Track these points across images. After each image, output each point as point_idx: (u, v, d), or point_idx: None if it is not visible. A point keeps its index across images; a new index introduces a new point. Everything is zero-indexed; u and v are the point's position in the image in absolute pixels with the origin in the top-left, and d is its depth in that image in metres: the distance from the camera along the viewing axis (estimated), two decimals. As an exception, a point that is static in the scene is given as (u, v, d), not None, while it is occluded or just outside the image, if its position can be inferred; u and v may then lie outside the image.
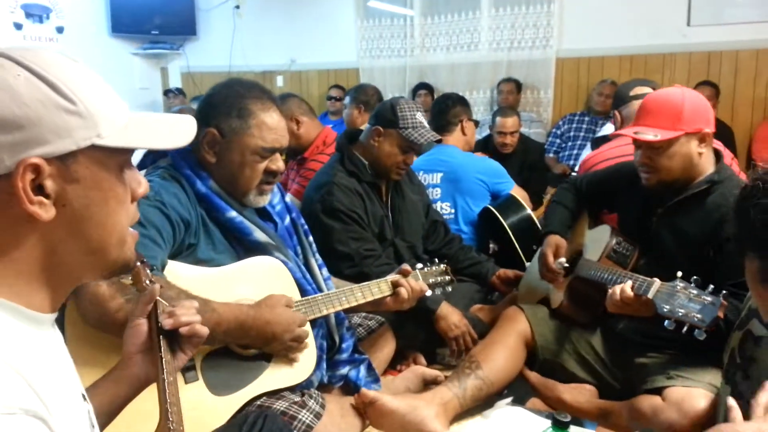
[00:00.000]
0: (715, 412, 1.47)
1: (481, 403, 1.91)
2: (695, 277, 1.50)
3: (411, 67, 5.83)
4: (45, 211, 0.68)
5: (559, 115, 5.29)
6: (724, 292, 1.45)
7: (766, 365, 1.21)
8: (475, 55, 5.56)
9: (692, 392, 1.58)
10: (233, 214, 1.57)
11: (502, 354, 1.93)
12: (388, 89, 5.72)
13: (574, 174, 2.92)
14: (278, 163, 1.61)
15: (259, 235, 1.61)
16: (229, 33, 6.34)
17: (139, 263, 1.15)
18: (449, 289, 2.08)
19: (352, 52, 6.02)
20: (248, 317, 1.41)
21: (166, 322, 1.06)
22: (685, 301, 1.48)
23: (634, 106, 2.39)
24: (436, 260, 2.09)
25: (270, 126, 1.56)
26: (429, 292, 1.93)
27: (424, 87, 5.47)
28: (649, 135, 1.69)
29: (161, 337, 1.04)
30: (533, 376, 1.95)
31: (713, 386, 1.57)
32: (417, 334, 2.23)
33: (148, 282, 1.11)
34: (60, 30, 5.58)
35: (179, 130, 0.84)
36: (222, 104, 1.56)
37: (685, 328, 1.46)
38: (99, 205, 0.74)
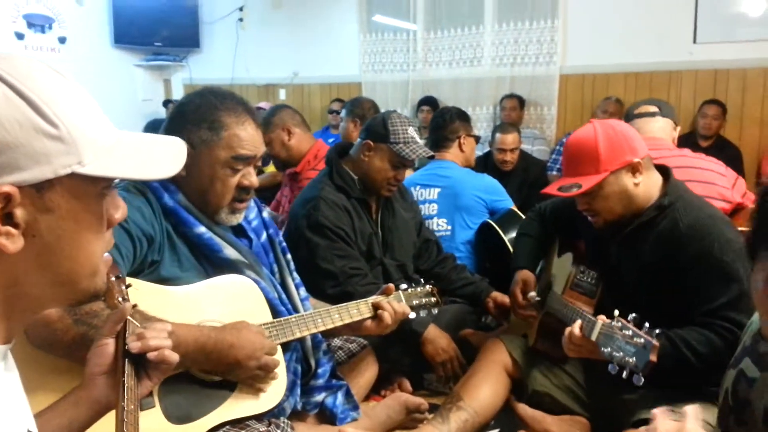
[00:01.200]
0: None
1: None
2: (633, 315, 1.42)
3: (414, 82, 5.78)
4: (12, 242, 0.62)
5: (563, 132, 5.21)
6: (657, 332, 1.37)
7: (761, 410, 1.10)
8: (478, 71, 5.51)
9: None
10: (202, 229, 1.49)
11: (485, 386, 1.85)
12: (390, 104, 5.67)
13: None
14: (251, 177, 1.53)
15: (230, 252, 1.52)
16: (233, 45, 6.33)
17: (113, 278, 1.09)
18: (435, 311, 1.98)
19: (355, 66, 5.98)
20: (209, 340, 1.32)
21: (134, 345, 0.99)
22: (622, 343, 1.40)
23: (637, 124, 2.31)
24: (422, 280, 1.99)
25: (242, 138, 1.48)
26: (413, 315, 1.84)
27: (426, 103, 5.41)
28: (572, 188, 1.63)
29: (126, 360, 0.97)
30: (521, 408, 1.84)
31: (709, 425, 1.46)
32: (402, 358, 2.14)
33: (120, 299, 1.05)
34: (62, 40, 5.57)
35: (169, 157, 0.77)
36: (193, 115, 1.49)
37: (624, 373, 1.38)
38: (72, 236, 0.67)
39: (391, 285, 1.82)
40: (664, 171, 1.73)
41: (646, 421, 1.51)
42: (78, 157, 0.64)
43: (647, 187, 1.67)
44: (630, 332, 1.39)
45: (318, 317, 1.64)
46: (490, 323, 2.63)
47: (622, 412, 1.65)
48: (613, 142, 1.63)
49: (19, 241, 0.62)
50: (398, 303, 1.78)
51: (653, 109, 2.37)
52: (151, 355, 1.00)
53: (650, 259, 1.66)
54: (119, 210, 0.75)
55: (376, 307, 1.74)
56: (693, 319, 1.56)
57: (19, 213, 0.62)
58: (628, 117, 2.44)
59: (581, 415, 1.82)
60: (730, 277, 1.53)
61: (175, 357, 1.03)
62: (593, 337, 1.48)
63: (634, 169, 1.64)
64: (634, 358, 1.35)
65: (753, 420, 1.13)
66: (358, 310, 1.72)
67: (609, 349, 1.42)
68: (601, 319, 1.49)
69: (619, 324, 1.42)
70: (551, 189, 1.73)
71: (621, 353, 1.38)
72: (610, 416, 1.72)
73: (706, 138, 4.56)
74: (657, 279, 1.64)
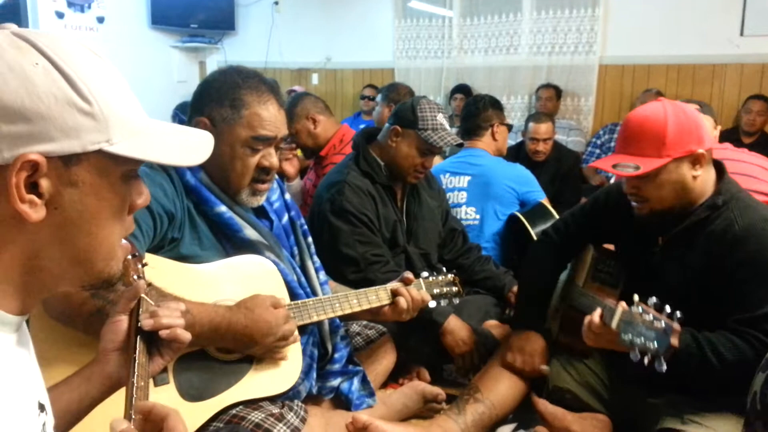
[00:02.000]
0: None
1: (487, 431, 1.79)
2: (653, 299, 1.36)
3: (448, 69, 5.70)
4: (35, 211, 0.63)
5: (600, 124, 5.08)
6: (679, 315, 1.31)
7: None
8: (515, 59, 5.40)
9: None
10: (223, 209, 1.48)
11: (504, 379, 1.82)
12: (423, 91, 5.61)
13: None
14: (272, 158, 1.50)
15: (250, 233, 1.51)
16: (267, 29, 6.33)
17: (130, 257, 1.09)
18: (456, 301, 1.95)
19: (389, 52, 5.93)
20: (223, 320, 1.32)
21: (146, 323, 1.00)
22: (643, 328, 1.34)
23: None
24: (444, 269, 1.96)
25: (263, 118, 1.46)
26: (433, 304, 1.81)
27: (460, 90, 5.33)
28: (629, 168, 1.50)
29: (138, 337, 0.97)
30: (541, 403, 1.80)
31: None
32: (422, 348, 2.10)
33: (135, 277, 1.05)
34: (101, 20, 5.64)
35: (196, 147, 0.78)
36: (216, 93, 1.48)
37: (646, 359, 1.32)
38: (93, 213, 0.68)
39: (410, 274, 1.78)
40: (718, 167, 1.62)
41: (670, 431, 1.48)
42: (107, 135, 0.66)
43: (703, 181, 1.56)
44: (650, 317, 1.33)
45: (336, 302, 1.62)
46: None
47: (646, 416, 1.60)
48: (683, 127, 1.50)
49: (42, 211, 0.63)
50: (417, 291, 1.75)
51: (695, 106, 2.29)
52: (163, 333, 1.00)
53: (699, 261, 1.56)
54: (142, 196, 0.75)
55: (394, 293, 1.72)
56: (727, 324, 1.48)
57: (45, 183, 0.63)
58: None
59: (602, 413, 1.77)
60: None
61: (187, 336, 1.03)
62: (613, 325, 1.41)
63: (696, 160, 1.52)
64: (654, 343, 1.30)
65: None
66: (376, 296, 1.70)
67: (630, 335, 1.36)
68: (623, 306, 1.43)
69: (640, 309, 1.37)
70: (605, 164, 1.58)
71: (642, 338, 1.33)
72: (632, 418, 1.67)
73: (749, 134, 4.39)
74: (702, 283, 1.55)
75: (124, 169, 0.70)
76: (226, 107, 1.45)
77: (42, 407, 0.71)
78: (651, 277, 1.68)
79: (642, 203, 1.59)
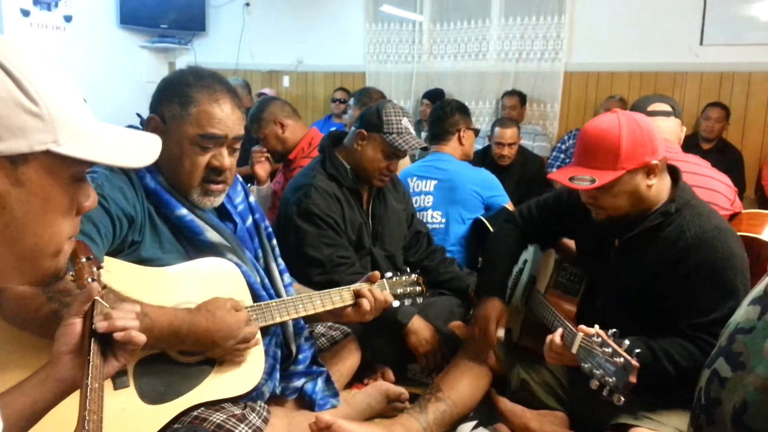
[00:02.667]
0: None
1: (449, 428, 1.83)
2: (613, 330, 1.38)
3: (418, 74, 5.76)
4: None
5: (565, 129, 5.19)
6: (638, 351, 1.32)
7: (730, 409, 1.09)
8: (483, 65, 5.48)
9: None
10: (183, 212, 1.48)
11: (465, 378, 1.86)
12: (393, 95, 5.66)
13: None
14: (222, 159, 1.48)
15: (211, 235, 1.52)
16: (238, 30, 6.32)
17: (84, 259, 1.09)
18: (420, 300, 1.98)
19: (360, 56, 5.96)
20: (183, 323, 1.32)
21: (100, 325, 0.99)
22: (602, 360, 1.35)
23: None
24: (408, 269, 1.99)
25: (213, 115, 1.44)
26: (396, 303, 1.84)
27: (429, 96, 5.37)
28: (585, 182, 1.54)
29: (93, 340, 0.97)
30: (501, 401, 1.85)
31: (679, 431, 1.46)
32: (386, 348, 2.13)
33: (90, 280, 1.05)
34: (68, 19, 5.56)
35: (144, 149, 0.79)
36: (167, 90, 1.48)
37: (605, 391, 1.34)
38: (40, 213, 0.69)
39: (377, 272, 1.81)
40: (673, 173, 1.67)
41: (625, 426, 1.53)
42: (54, 136, 0.67)
43: (658, 189, 1.60)
44: (610, 350, 1.34)
45: (299, 303, 1.63)
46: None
47: (602, 413, 1.64)
48: (636, 139, 1.54)
49: None
50: (380, 291, 1.77)
51: (667, 108, 2.31)
52: (117, 335, 0.99)
53: (651, 266, 1.61)
54: (89, 199, 0.76)
55: (357, 294, 1.74)
56: (679, 328, 1.53)
57: None
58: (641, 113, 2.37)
59: (560, 411, 1.82)
60: (727, 292, 1.49)
61: (141, 338, 1.02)
62: (573, 350, 1.44)
63: (650, 170, 1.56)
64: (614, 378, 1.31)
65: (722, 419, 1.13)
66: (340, 297, 1.72)
67: (589, 365, 1.38)
68: (582, 330, 1.44)
69: (599, 339, 1.38)
70: (562, 177, 1.61)
71: (601, 371, 1.34)
72: (589, 415, 1.72)
73: (708, 140, 4.53)
74: (655, 286, 1.60)
75: (72, 171, 0.71)
76: (175, 104, 1.44)
77: None
78: (607, 279, 1.74)
79: (599, 210, 1.64)
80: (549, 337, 1.54)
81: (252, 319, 1.50)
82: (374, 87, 4.59)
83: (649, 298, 1.61)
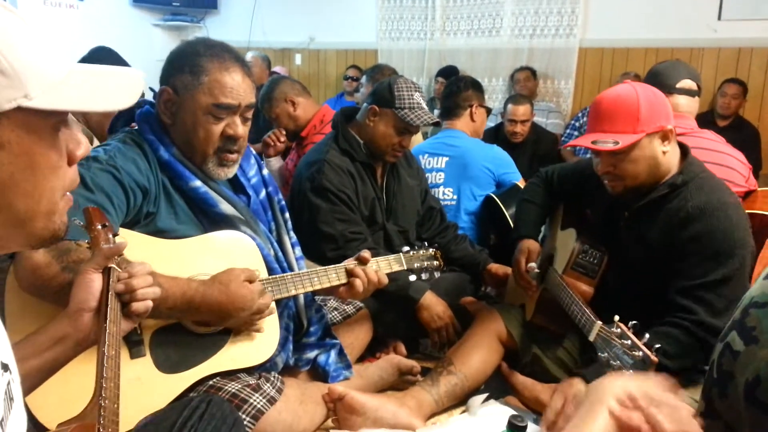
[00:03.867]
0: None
1: (460, 401, 1.85)
2: (633, 321, 1.38)
3: (430, 51, 5.71)
4: None
5: (579, 106, 5.13)
6: (657, 346, 1.32)
7: (742, 383, 1.09)
8: (496, 41, 5.42)
9: None
10: (198, 183, 1.49)
11: (476, 352, 1.86)
12: (406, 72, 5.61)
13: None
14: (236, 127, 1.49)
15: (225, 208, 1.53)
16: (250, 8, 6.28)
17: (100, 226, 1.10)
18: (437, 275, 1.99)
19: (372, 33, 5.91)
20: (197, 294, 1.33)
21: (118, 286, 1.01)
22: (620, 352, 1.36)
23: (677, 99, 2.25)
24: (425, 244, 1.99)
25: (224, 84, 1.44)
26: (413, 277, 1.83)
27: (443, 73, 5.32)
28: (609, 143, 1.56)
29: (108, 307, 0.98)
30: (512, 374, 1.86)
31: (694, 401, 1.46)
32: (398, 323, 2.15)
33: (106, 246, 1.05)
34: (81, -3, 5.56)
35: (123, 89, 0.74)
36: (177, 61, 1.48)
37: None
38: (27, 172, 0.65)
39: (367, 254, 1.76)
40: (682, 149, 1.69)
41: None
42: (23, 91, 0.63)
43: (670, 158, 1.63)
44: (629, 342, 1.34)
45: (315, 276, 1.64)
46: (490, 293, 2.64)
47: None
48: (652, 103, 1.58)
49: None
50: (373, 272, 1.72)
51: (695, 88, 2.30)
52: (134, 294, 1.02)
53: (655, 238, 1.63)
54: (81, 146, 0.73)
55: (350, 274, 1.70)
56: (668, 298, 1.54)
57: None
58: (668, 88, 2.26)
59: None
60: (720, 262, 1.51)
61: (156, 291, 1.06)
62: (591, 338, 1.46)
63: (665, 135, 1.60)
64: (631, 371, 1.31)
65: (735, 393, 1.13)
66: (336, 275, 1.69)
67: (606, 354, 1.39)
68: (599, 323, 1.45)
69: (618, 331, 1.38)
70: (584, 141, 1.62)
71: (618, 362, 1.35)
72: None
73: (724, 117, 4.47)
74: (659, 258, 1.61)
75: (52, 122, 0.67)
76: (186, 74, 1.44)
77: (5, 367, 0.70)
78: (618, 254, 1.75)
79: (616, 181, 1.65)
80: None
81: (266, 291, 1.52)
82: (387, 64, 4.56)
83: (655, 270, 1.62)
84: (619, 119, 1.58)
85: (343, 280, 1.70)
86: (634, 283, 1.65)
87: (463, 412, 1.83)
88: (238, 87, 1.46)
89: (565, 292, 1.73)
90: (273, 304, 1.52)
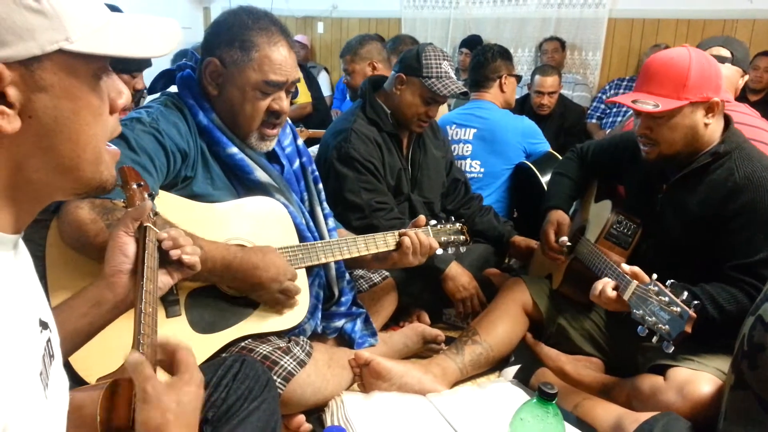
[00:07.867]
0: (719, 400, 1.37)
1: (486, 370, 1.87)
2: (671, 280, 1.38)
3: (455, 20, 5.62)
4: (8, 122, 0.61)
5: (607, 79, 5.04)
6: (696, 302, 1.32)
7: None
8: (523, 10, 5.31)
9: (697, 375, 1.47)
10: (234, 150, 1.51)
11: (501, 322, 1.88)
12: (429, 41, 5.52)
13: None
14: (282, 102, 1.51)
15: (260, 175, 1.55)
16: (273, -26, 6.20)
17: (135, 186, 1.12)
18: (463, 249, 2.00)
19: (396, 1, 5.83)
20: (235, 259, 1.36)
21: (165, 243, 1.05)
22: (657, 308, 1.35)
23: None
24: (452, 218, 2.00)
25: (274, 60, 1.46)
26: (440, 251, 1.86)
27: (467, 44, 5.23)
28: (649, 105, 1.52)
29: (146, 265, 1.00)
30: (537, 345, 1.88)
31: (722, 372, 1.46)
32: (423, 293, 2.17)
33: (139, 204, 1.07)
34: (103, -38, 5.54)
35: (162, 36, 0.74)
36: (225, 33, 1.48)
37: (655, 338, 1.35)
38: (70, 117, 0.65)
39: (422, 217, 1.81)
40: (726, 119, 1.65)
41: (662, 367, 1.54)
42: (64, 33, 0.62)
43: (712, 131, 1.59)
44: (667, 299, 1.34)
45: (345, 245, 1.66)
46: (514, 265, 2.65)
47: (640, 358, 1.66)
48: (704, 72, 1.53)
49: (16, 121, 0.61)
50: (425, 235, 1.77)
51: (726, 53, 2.22)
52: (174, 252, 1.05)
53: (698, 208, 1.60)
54: (122, 95, 0.73)
55: (401, 234, 1.74)
56: (724, 272, 1.52)
57: (12, 92, 0.61)
58: None
59: (596, 357, 1.84)
60: None
61: (197, 251, 1.09)
62: (626, 296, 1.45)
63: (711, 108, 1.55)
64: (668, 326, 1.32)
65: (765, 364, 1.13)
66: (384, 241, 1.74)
67: (641, 311, 1.39)
68: (638, 277, 1.44)
69: (656, 288, 1.38)
70: (625, 99, 1.58)
71: (654, 318, 1.35)
72: (627, 359, 1.73)
73: (755, 92, 4.36)
74: (700, 229, 1.59)
75: (93, 67, 0.67)
76: (235, 49, 1.45)
77: (44, 324, 0.70)
78: (653, 225, 1.73)
79: (652, 146, 1.62)
80: (600, 284, 1.52)
81: (297, 258, 1.54)
82: (408, 35, 4.50)
83: (695, 242, 1.60)
84: (665, 82, 1.54)
85: (392, 246, 1.73)
86: (668, 255, 1.64)
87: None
88: (285, 63, 1.48)
89: (599, 258, 1.72)
90: (305, 280, 1.55)
